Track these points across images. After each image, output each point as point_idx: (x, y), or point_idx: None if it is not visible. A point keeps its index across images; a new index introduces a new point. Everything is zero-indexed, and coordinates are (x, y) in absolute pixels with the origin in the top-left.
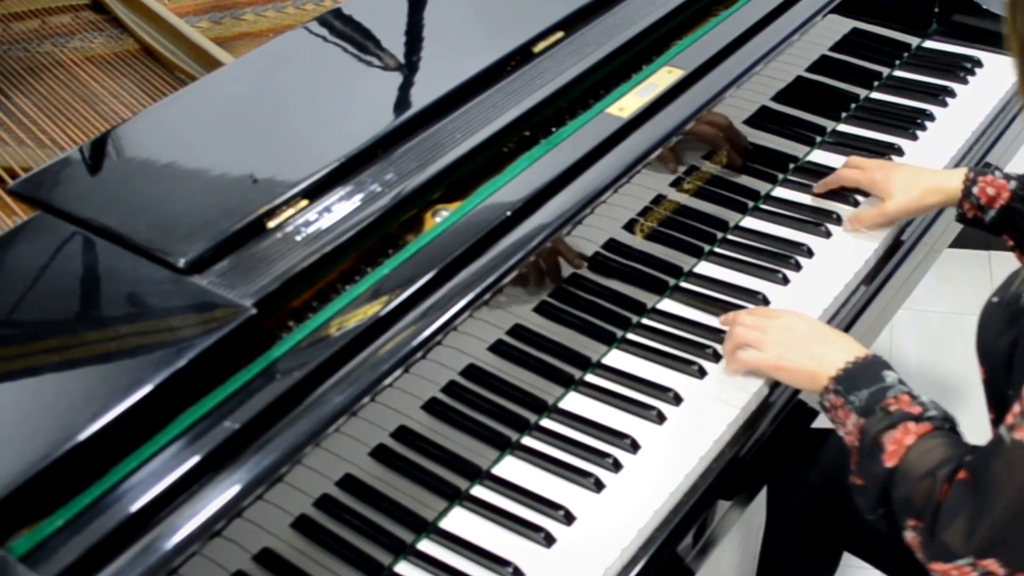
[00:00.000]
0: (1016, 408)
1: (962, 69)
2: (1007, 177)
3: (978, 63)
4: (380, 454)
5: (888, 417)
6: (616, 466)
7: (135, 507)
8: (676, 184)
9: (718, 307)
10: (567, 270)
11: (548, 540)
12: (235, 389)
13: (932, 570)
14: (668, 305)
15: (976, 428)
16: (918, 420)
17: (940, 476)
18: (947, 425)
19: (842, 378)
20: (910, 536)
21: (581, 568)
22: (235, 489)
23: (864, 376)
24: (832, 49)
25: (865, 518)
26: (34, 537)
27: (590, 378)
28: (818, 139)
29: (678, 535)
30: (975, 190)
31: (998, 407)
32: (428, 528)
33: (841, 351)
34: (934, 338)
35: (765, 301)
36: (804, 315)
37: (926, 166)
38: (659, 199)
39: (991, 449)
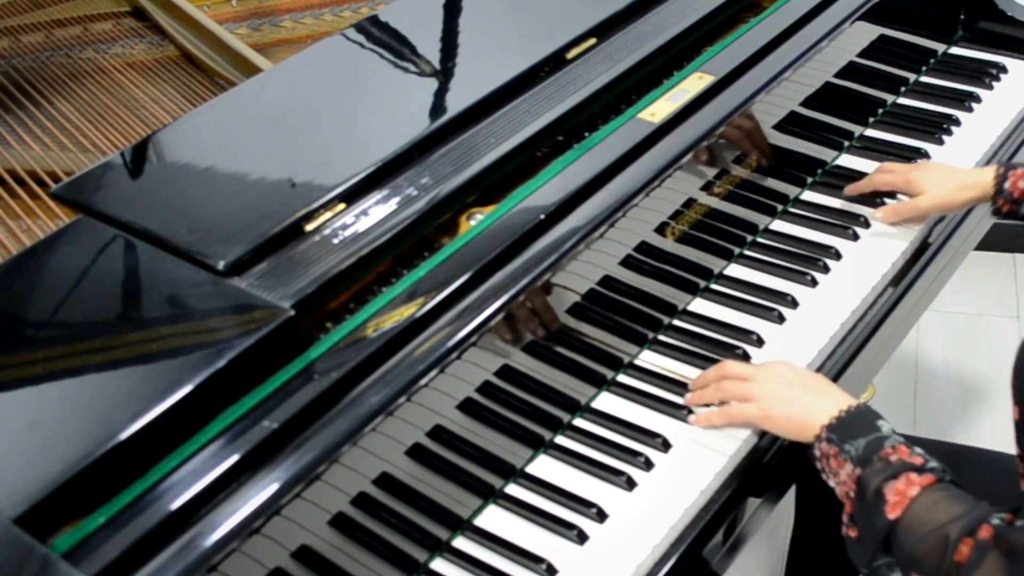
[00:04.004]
0: None
1: (987, 75)
2: None
3: (1003, 69)
4: (416, 453)
5: (889, 467)
6: (648, 465)
7: (176, 505)
8: (706, 188)
9: (748, 309)
10: (599, 271)
11: (581, 537)
12: (274, 389)
13: None
14: (699, 306)
15: (999, 429)
16: (920, 471)
17: (954, 534)
18: (947, 476)
19: (835, 427)
20: None
21: (613, 565)
22: (274, 487)
23: (858, 425)
24: (860, 55)
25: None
26: (76, 534)
27: (622, 378)
28: (846, 144)
29: (708, 533)
30: (1007, 185)
31: None
32: (463, 526)
33: (831, 401)
34: (960, 339)
35: (794, 303)
36: (791, 364)
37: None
38: (690, 202)
39: None
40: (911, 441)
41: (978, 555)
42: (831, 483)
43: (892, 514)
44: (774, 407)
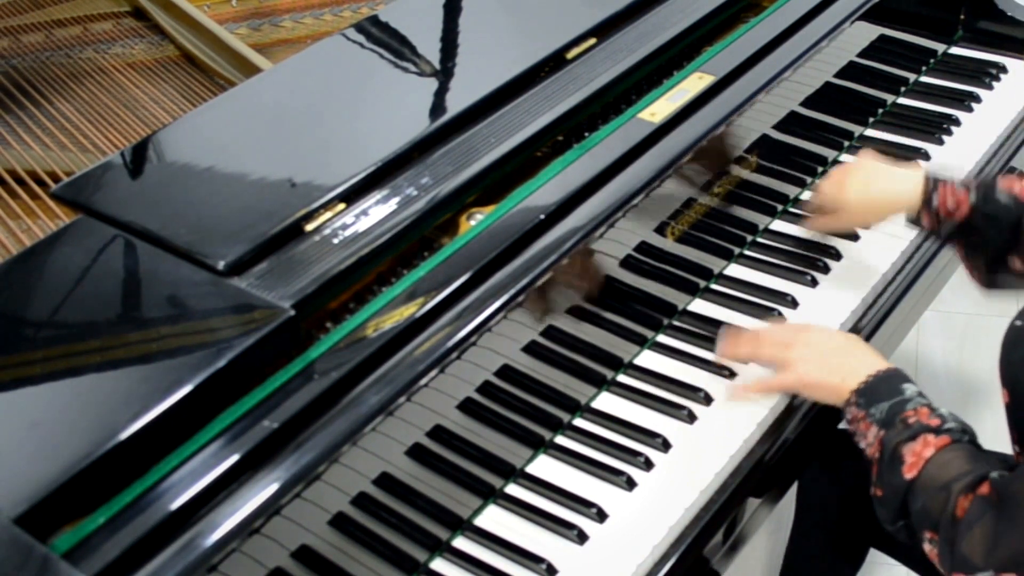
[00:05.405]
0: None
1: (987, 75)
2: (965, 186)
3: (1003, 69)
4: (416, 453)
5: (907, 429)
6: (648, 465)
7: (176, 505)
8: (707, 188)
9: (748, 309)
10: (600, 273)
11: (581, 537)
12: (274, 389)
13: None
14: (698, 306)
15: (1000, 429)
16: (937, 432)
17: (955, 489)
18: (966, 437)
19: (863, 391)
20: (928, 548)
21: (614, 565)
22: (274, 487)
23: (884, 389)
24: (860, 55)
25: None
26: (76, 534)
27: (622, 378)
28: (846, 144)
29: (708, 532)
30: (935, 202)
31: (1021, 432)
32: (463, 525)
33: (862, 365)
34: (960, 339)
35: (794, 303)
36: (827, 329)
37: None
38: (690, 202)
39: (1020, 471)
40: None
41: (976, 511)
42: (861, 445)
43: (909, 474)
44: (809, 374)
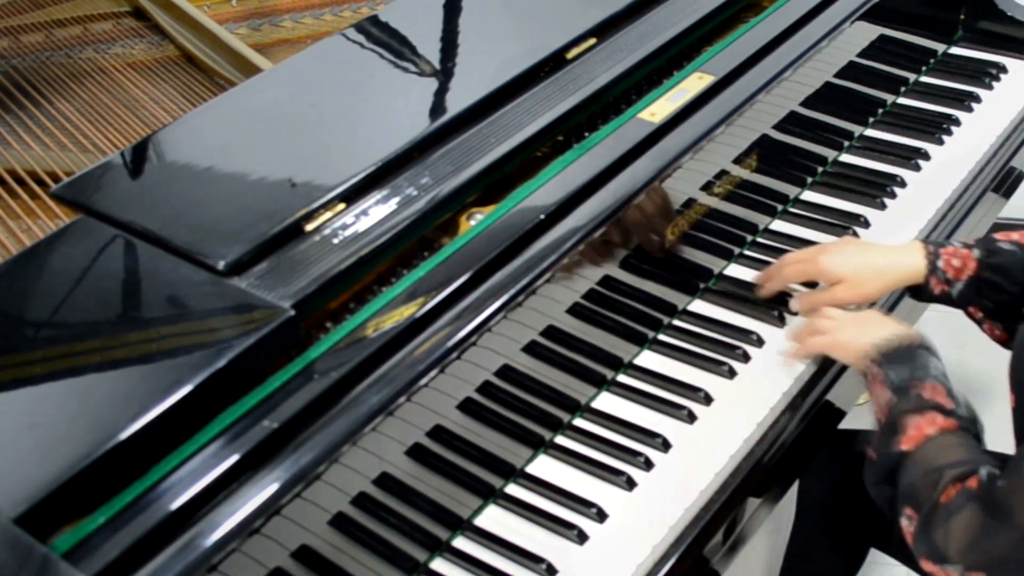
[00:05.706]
0: None
1: (987, 75)
2: (966, 245)
3: (1003, 69)
4: (416, 453)
5: (919, 402)
6: (648, 465)
7: (176, 505)
8: (707, 188)
9: (748, 309)
10: (599, 271)
11: (581, 537)
12: (274, 389)
13: (921, 566)
14: (699, 307)
15: (999, 428)
16: (947, 414)
17: (947, 476)
18: (973, 429)
19: (887, 349)
20: (905, 524)
21: (614, 565)
22: (274, 487)
23: (909, 356)
24: (860, 55)
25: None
26: (76, 534)
27: (622, 378)
28: (846, 143)
29: (708, 532)
30: (940, 264)
31: None
32: (463, 525)
33: (896, 332)
34: (961, 339)
35: None
36: (880, 314)
37: (946, 177)
38: (689, 202)
39: (1012, 470)
40: None
41: (961, 501)
42: (873, 407)
43: (905, 445)
44: (842, 335)
